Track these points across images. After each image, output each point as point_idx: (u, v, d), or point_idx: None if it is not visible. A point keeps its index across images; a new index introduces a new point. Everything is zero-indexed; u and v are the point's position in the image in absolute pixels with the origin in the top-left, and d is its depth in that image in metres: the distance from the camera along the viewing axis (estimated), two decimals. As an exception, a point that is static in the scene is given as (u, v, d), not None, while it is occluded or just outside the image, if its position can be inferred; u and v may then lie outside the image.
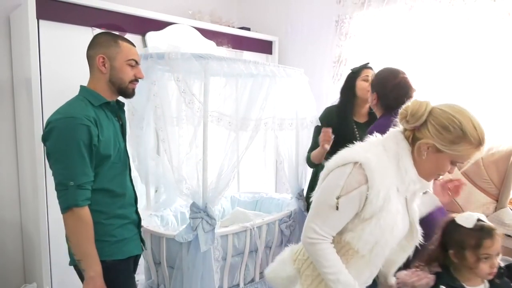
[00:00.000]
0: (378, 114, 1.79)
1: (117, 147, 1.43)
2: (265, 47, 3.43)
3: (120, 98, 1.55)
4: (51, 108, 2.14)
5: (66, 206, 1.30)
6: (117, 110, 1.52)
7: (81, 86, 1.46)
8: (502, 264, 1.29)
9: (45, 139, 1.33)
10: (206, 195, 1.87)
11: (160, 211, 2.22)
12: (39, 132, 2.11)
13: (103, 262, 1.35)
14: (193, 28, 2.84)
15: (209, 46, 2.91)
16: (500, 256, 1.24)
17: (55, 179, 1.31)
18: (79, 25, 2.26)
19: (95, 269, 1.32)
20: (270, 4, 3.57)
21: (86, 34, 2.27)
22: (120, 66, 1.42)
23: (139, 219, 1.58)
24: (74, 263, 1.40)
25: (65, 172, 1.28)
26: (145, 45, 2.55)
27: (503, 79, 2.20)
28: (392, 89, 1.68)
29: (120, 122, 1.53)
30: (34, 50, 2.08)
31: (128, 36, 2.70)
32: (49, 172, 2.16)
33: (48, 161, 1.34)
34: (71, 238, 1.35)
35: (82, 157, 1.29)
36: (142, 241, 1.59)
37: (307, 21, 3.26)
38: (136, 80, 1.49)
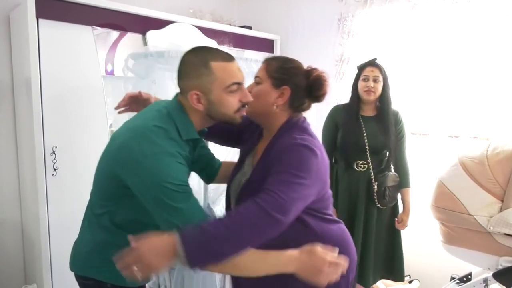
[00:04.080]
0: None
1: None
2: (266, 45, 3.41)
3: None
4: (51, 108, 2.15)
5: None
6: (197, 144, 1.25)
7: (176, 102, 1.16)
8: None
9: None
10: (207, 195, 1.86)
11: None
12: (39, 132, 2.11)
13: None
14: (194, 27, 2.82)
15: (210, 45, 2.89)
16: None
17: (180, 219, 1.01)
18: (79, 24, 2.24)
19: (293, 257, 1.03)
20: (272, 2, 3.55)
21: (86, 33, 2.26)
22: (218, 99, 1.11)
23: None
24: (82, 273, 1.23)
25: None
26: (145, 43, 2.54)
27: (508, 77, 2.18)
28: None
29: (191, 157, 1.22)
30: (34, 49, 2.07)
31: (128, 34, 2.69)
32: (49, 172, 2.18)
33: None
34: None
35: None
36: None
37: (309, 19, 3.24)
38: (243, 106, 1.16)
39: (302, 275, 1.03)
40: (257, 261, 1.03)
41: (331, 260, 1.02)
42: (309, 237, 1.15)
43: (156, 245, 0.95)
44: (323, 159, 1.18)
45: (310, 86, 1.24)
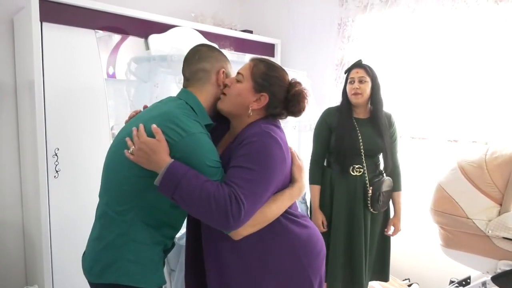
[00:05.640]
0: None
1: None
2: (267, 49, 3.43)
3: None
4: (54, 110, 2.17)
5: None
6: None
7: (188, 92, 1.28)
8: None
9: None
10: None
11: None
12: (41, 134, 2.12)
13: None
14: (196, 31, 2.84)
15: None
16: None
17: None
18: (82, 28, 2.26)
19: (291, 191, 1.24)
20: (273, 7, 3.58)
21: (89, 36, 2.28)
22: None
23: (172, 246, 1.36)
24: (100, 281, 1.18)
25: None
26: (147, 47, 2.56)
27: (507, 82, 2.20)
28: None
29: None
30: (37, 52, 2.09)
31: (130, 38, 2.72)
32: (51, 174, 2.19)
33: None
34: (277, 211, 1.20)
35: None
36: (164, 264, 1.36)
37: (310, 24, 3.26)
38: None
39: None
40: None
41: None
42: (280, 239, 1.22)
43: (158, 154, 1.08)
44: (287, 150, 1.22)
45: (288, 100, 1.25)
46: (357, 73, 2.02)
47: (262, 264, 1.19)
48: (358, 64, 2.06)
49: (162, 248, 1.26)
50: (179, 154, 1.11)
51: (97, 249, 1.19)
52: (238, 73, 1.27)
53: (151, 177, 1.11)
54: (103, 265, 1.16)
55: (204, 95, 1.27)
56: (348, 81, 2.06)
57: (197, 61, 1.30)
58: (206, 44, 1.38)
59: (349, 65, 2.15)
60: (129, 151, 1.13)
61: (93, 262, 1.19)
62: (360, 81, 2.01)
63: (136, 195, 1.16)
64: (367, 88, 2.01)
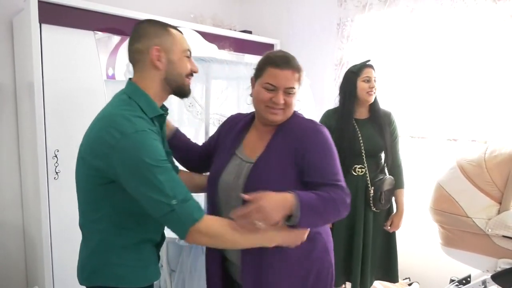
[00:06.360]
0: None
1: None
2: (266, 50, 3.37)
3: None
4: (53, 112, 2.17)
5: (187, 228, 1.06)
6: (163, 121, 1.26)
7: (134, 85, 1.18)
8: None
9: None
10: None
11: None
12: (41, 135, 2.12)
13: None
14: (195, 32, 2.84)
15: (211, 49, 2.92)
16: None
17: (156, 201, 1.04)
18: (81, 29, 2.26)
19: (280, 234, 1.15)
20: (272, 7, 3.58)
21: (88, 38, 2.28)
22: (177, 59, 1.18)
23: (162, 239, 1.33)
24: (90, 284, 1.20)
25: (166, 191, 1.04)
26: (147, 48, 2.56)
27: (506, 81, 2.20)
28: None
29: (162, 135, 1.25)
30: (37, 54, 2.09)
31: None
32: (51, 175, 2.19)
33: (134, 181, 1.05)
34: (228, 244, 1.14)
35: (170, 170, 1.08)
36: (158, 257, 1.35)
37: (309, 24, 3.27)
38: (191, 74, 1.24)
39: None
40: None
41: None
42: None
43: (277, 200, 1.07)
44: None
45: None
46: (372, 73, 2.04)
47: (300, 263, 1.24)
48: (371, 64, 2.07)
49: (151, 244, 1.23)
50: (117, 156, 1.03)
51: (84, 256, 1.20)
52: (292, 87, 1.23)
53: (112, 182, 1.08)
54: (90, 270, 1.17)
55: (147, 82, 1.17)
56: (362, 79, 2.03)
57: (131, 42, 1.18)
58: (147, 20, 1.20)
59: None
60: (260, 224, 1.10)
61: (82, 268, 1.20)
62: (375, 81, 2.04)
63: (104, 203, 1.13)
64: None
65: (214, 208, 1.33)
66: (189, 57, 1.22)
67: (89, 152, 1.12)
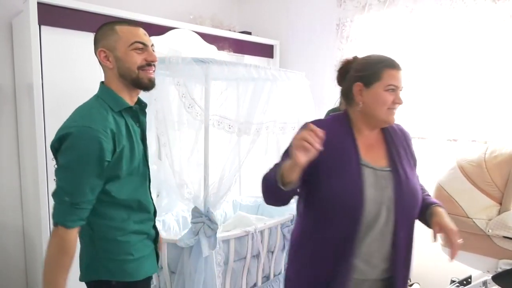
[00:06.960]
0: None
1: (135, 159, 1.25)
2: (266, 51, 3.44)
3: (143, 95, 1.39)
4: (53, 113, 2.17)
5: (55, 222, 1.13)
6: (138, 114, 1.33)
7: (101, 84, 1.29)
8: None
9: (54, 145, 1.17)
10: (207, 199, 1.86)
11: (162, 215, 2.21)
12: (41, 137, 2.12)
13: (119, 284, 1.23)
14: (194, 33, 2.84)
15: (210, 51, 2.92)
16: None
17: (56, 188, 1.15)
18: (81, 31, 2.27)
19: None
20: (271, 8, 3.58)
21: (87, 39, 2.27)
22: (123, 55, 1.22)
23: (157, 234, 1.39)
24: (86, 279, 1.27)
25: (64, 185, 1.13)
26: (146, 49, 2.56)
27: (505, 81, 2.20)
28: None
29: (140, 127, 1.33)
30: (36, 55, 2.09)
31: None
32: (51, 177, 2.18)
33: (56, 167, 1.19)
34: (45, 259, 1.15)
35: (87, 174, 1.12)
36: (157, 255, 1.41)
37: (308, 24, 3.27)
38: (148, 64, 1.25)
39: None
40: None
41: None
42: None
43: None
44: None
45: None
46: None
47: None
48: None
49: (143, 237, 1.30)
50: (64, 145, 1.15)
51: (79, 253, 1.27)
52: (402, 87, 1.26)
53: None
54: (85, 265, 1.26)
55: (109, 81, 1.27)
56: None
57: (94, 49, 1.28)
58: (105, 23, 1.27)
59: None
60: None
61: (79, 265, 1.28)
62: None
63: None
64: None
65: (356, 223, 1.20)
66: (140, 48, 1.24)
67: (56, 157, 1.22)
